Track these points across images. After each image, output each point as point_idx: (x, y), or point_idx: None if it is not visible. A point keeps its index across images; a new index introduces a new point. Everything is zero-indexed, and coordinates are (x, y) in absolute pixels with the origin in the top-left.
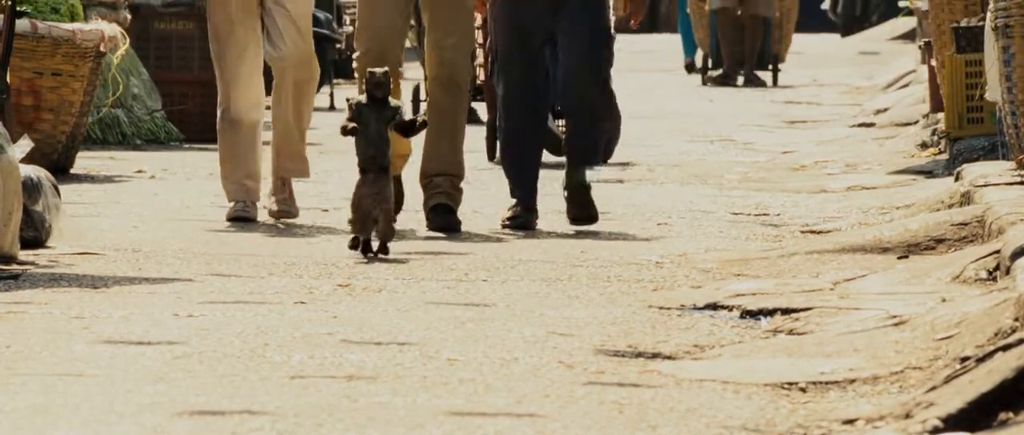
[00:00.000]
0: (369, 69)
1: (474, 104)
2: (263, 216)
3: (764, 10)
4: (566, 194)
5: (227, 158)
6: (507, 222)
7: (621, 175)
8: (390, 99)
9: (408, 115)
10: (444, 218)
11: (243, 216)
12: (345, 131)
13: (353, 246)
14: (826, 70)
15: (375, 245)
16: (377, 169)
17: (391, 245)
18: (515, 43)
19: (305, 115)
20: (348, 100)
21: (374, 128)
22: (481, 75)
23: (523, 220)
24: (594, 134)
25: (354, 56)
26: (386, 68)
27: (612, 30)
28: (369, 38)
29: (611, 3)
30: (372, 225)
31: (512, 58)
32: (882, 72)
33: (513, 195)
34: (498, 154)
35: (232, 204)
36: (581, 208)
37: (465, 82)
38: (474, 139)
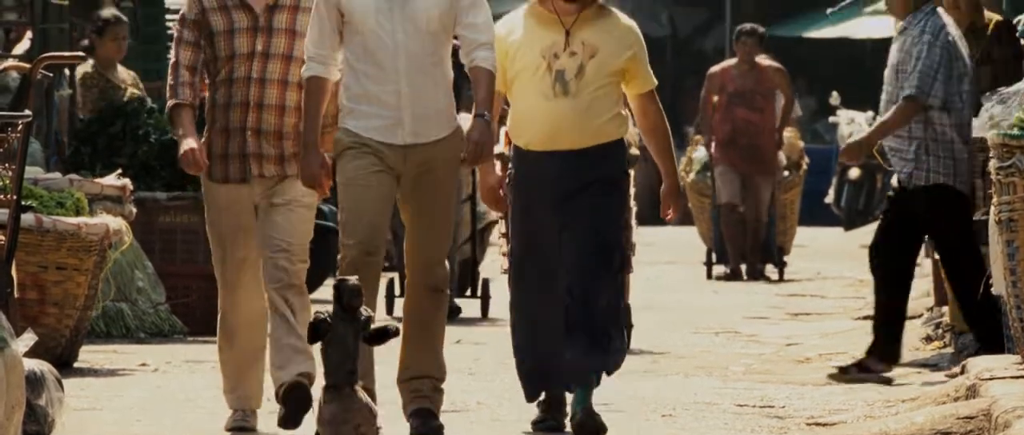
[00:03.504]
0: (341, 277)
1: (462, 300)
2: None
3: (767, 212)
4: (570, 413)
5: (227, 372)
6: (535, 426)
7: (625, 367)
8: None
9: (381, 310)
10: (425, 424)
11: (242, 426)
12: (314, 337)
13: None
14: (830, 263)
15: None
16: (351, 384)
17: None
18: (525, 246)
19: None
20: (318, 313)
21: (350, 342)
22: (505, 263)
23: (552, 423)
24: (601, 354)
25: (341, 255)
26: (356, 277)
27: (633, 223)
28: (359, 232)
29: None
30: None
31: (523, 260)
32: None
33: (530, 401)
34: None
35: (231, 413)
36: (587, 417)
37: (445, 285)
38: (483, 334)
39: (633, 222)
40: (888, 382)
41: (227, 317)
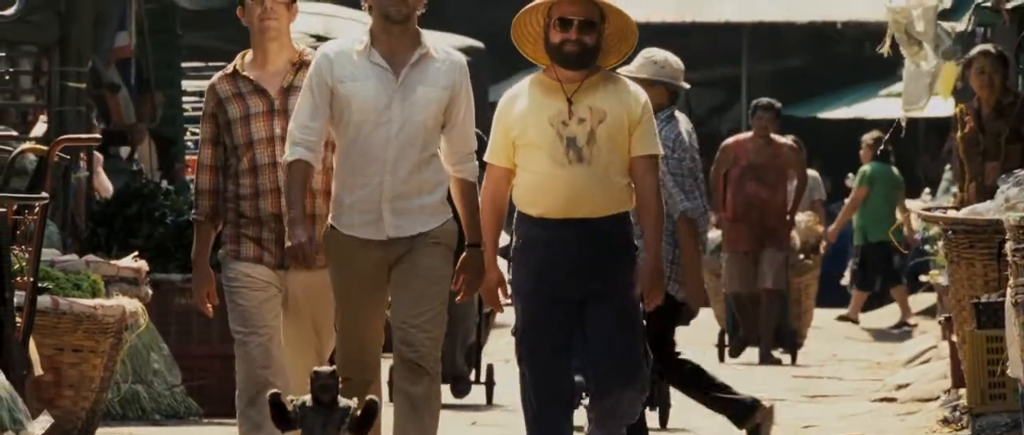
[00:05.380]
0: (314, 368)
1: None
2: None
3: (777, 283)
4: None
5: None
6: None
7: None
8: (339, 399)
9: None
10: None
11: None
12: (276, 419)
13: None
14: (846, 345)
15: None
16: None
17: None
18: (536, 318)
19: None
20: (292, 400)
21: (318, 433)
22: None
23: None
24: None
25: (338, 366)
26: (333, 368)
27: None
28: (350, 352)
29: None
30: None
31: (532, 336)
32: (903, 348)
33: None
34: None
35: None
36: None
37: (435, 367)
38: (495, 418)
39: None
40: None
41: (255, 388)
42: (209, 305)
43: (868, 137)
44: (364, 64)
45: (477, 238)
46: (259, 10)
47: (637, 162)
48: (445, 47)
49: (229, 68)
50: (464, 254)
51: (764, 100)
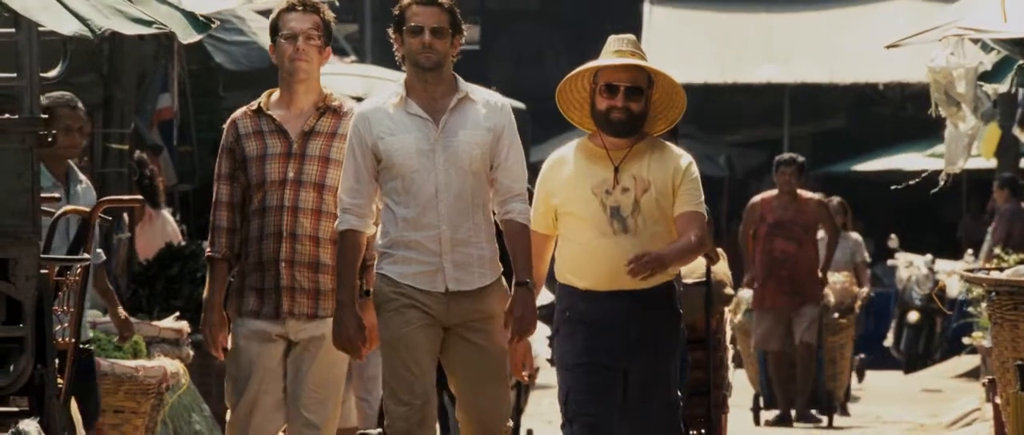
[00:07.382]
0: (360, 432)
1: None
2: None
3: (810, 337)
4: None
5: None
6: None
7: None
8: None
9: None
10: None
11: None
12: None
13: None
14: (890, 407)
15: None
16: None
17: None
18: (584, 384)
19: None
20: None
21: None
22: None
23: None
24: None
25: (388, 422)
26: (380, 430)
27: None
28: (412, 397)
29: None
30: None
31: (581, 397)
32: (946, 410)
33: None
34: None
35: None
36: None
37: None
38: None
39: (730, 363)
40: None
41: None
42: (221, 350)
43: None
44: (402, 117)
45: (526, 277)
46: (290, 50)
47: (680, 218)
48: (486, 91)
49: (253, 104)
50: (513, 292)
51: (786, 156)
